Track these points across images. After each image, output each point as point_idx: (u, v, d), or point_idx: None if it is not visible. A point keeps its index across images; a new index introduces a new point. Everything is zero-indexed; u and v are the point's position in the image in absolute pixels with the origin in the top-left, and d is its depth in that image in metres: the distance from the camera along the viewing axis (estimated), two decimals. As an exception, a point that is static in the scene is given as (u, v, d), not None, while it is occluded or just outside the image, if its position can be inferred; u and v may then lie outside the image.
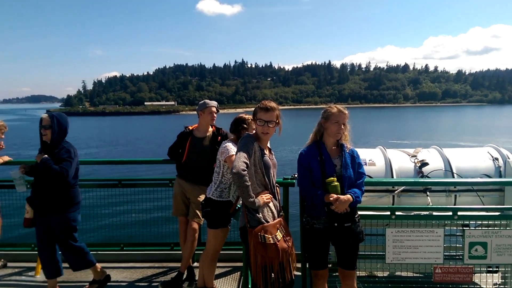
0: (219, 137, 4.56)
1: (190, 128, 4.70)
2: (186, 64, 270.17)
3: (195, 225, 4.50)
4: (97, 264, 4.37)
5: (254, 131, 3.45)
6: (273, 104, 3.34)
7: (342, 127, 3.40)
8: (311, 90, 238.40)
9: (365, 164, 4.17)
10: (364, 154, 4.30)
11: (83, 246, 4.27)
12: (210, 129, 4.65)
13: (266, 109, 3.29)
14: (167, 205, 4.92)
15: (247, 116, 3.92)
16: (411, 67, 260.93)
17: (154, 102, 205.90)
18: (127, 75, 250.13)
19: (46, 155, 4.00)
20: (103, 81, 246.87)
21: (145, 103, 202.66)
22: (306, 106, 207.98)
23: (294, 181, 4.01)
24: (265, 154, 3.33)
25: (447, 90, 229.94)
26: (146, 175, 7.31)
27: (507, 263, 3.86)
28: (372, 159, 4.35)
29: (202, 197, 4.37)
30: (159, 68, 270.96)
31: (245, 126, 3.91)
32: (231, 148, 3.67)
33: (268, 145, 3.53)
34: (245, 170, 3.07)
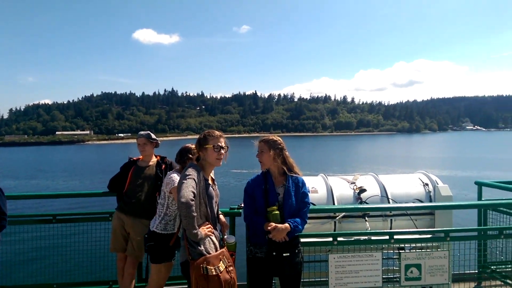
0: (163, 166, 4.44)
1: (135, 158, 4.53)
2: (115, 92, 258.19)
3: (134, 262, 4.30)
4: None
5: (197, 162, 3.38)
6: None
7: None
8: (235, 119, 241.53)
9: (308, 192, 4.27)
10: (307, 182, 4.40)
11: None
12: (154, 158, 4.53)
13: (220, 135, 3.31)
14: (106, 240, 4.63)
15: (192, 146, 3.86)
16: (332, 98, 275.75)
17: (67, 132, 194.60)
18: (50, 103, 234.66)
19: None
20: (22, 109, 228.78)
21: (57, 132, 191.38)
22: (230, 135, 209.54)
23: (240, 210, 4.00)
24: (209, 184, 3.29)
25: (361, 119, 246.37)
26: (83, 208, 6.84)
27: (439, 283, 4.06)
28: (315, 186, 4.49)
29: (140, 237, 4.15)
30: (85, 96, 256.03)
31: (190, 156, 3.86)
32: (177, 179, 3.57)
33: (212, 175, 3.48)
34: (193, 200, 2.98)
